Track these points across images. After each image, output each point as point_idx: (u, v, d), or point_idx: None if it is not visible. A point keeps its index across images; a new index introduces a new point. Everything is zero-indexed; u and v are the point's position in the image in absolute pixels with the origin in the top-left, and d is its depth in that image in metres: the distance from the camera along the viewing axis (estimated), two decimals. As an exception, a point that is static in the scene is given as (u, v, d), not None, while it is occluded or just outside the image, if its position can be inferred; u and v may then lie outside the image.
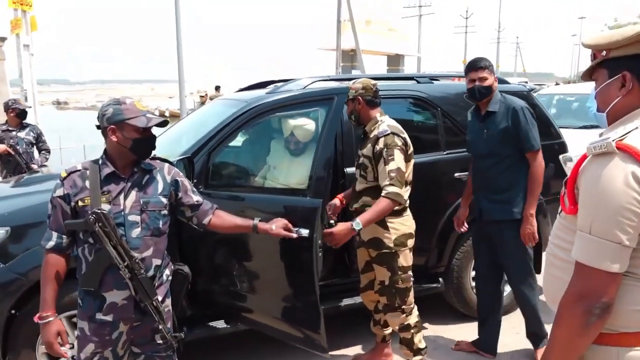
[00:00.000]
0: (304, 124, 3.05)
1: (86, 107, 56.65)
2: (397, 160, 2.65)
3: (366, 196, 2.82)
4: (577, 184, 1.31)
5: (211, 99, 14.23)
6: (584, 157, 1.31)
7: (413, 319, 2.89)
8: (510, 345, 3.45)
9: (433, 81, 3.79)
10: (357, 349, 3.44)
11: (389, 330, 3.21)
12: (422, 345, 2.93)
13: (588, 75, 1.46)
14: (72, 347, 2.73)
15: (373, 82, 2.88)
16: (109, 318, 2.07)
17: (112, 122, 2.03)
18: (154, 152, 2.20)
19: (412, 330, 2.88)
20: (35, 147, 5.80)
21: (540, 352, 3.25)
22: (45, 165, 5.69)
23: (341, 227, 2.57)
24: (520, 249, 3.04)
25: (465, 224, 3.31)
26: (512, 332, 3.58)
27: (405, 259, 2.82)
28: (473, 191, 3.19)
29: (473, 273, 3.72)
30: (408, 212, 2.84)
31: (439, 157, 3.54)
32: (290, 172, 3.00)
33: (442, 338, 3.60)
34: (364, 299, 3.17)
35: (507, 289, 3.88)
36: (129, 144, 2.04)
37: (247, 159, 3.22)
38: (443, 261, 3.63)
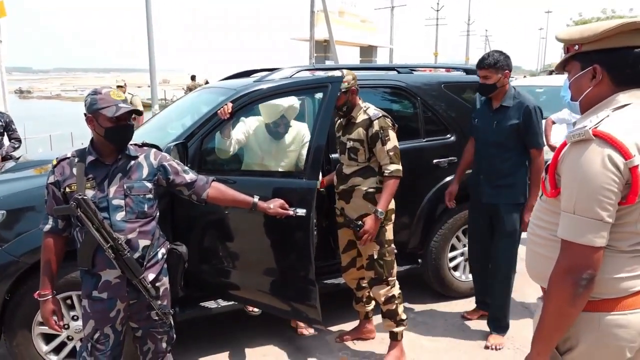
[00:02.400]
0: (294, 104, 3.18)
1: (51, 96, 55.08)
2: (393, 140, 2.93)
3: (355, 177, 3.00)
4: (558, 170, 1.43)
5: (189, 88, 14.15)
6: (564, 144, 1.44)
7: (396, 290, 3.08)
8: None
9: (413, 71, 3.94)
10: (340, 327, 3.61)
11: (370, 307, 3.39)
12: (404, 316, 3.12)
13: (562, 67, 1.60)
14: (67, 327, 2.82)
15: (352, 72, 3.04)
16: (104, 295, 2.20)
17: (89, 111, 2.14)
18: (141, 140, 2.32)
19: (396, 302, 3.07)
20: (4, 135, 5.71)
21: (493, 337, 3.39)
22: (11, 157, 5.52)
23: (369, 221, 2.87)
24: (514, 231, 3.27)
25: (454, 201, 3.53)
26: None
27: (390, 232, 3.03)
28: (474, 173, 3.40)
29: (450, 254, 3.94)
30: None
31: (418, 144, 3.70)
32: (287, 156, 3.13)
33: (421, 316, 3.79)
34: (347, 277, 3.32)
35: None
36: (102, 133, 2.14)
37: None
38: (422, 243, 3.81)
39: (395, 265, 3.08)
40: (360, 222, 2.93)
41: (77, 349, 2.78)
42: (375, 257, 3.00)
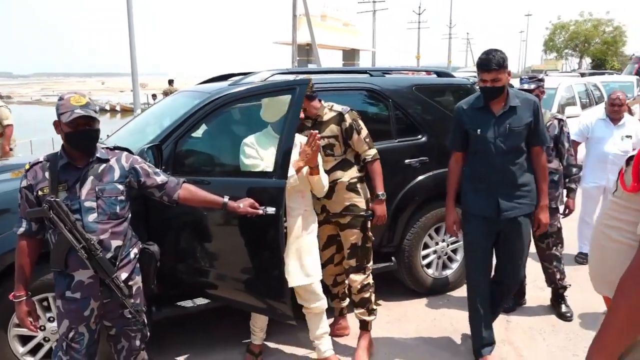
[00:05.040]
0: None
1: (31, 101, 54.43)
2: (364, 127, 3.13)
3: (335, 171, 3.12)
4: None
5: (165, 93, 14.18)
6: None
7: (370, 279, 3.23)
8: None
9: (385, 74, 4.04)
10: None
11: (346, 303, 3.49)
12: (375, 306, 3.27)
13: None
14: (43, 329, 2.85)
15: (309, 77, 3.16)
16: (77, 295, 2.25)
17: (57, 117, 2.21)
18: (114, 142, 2.37)
19: (370, 290, 3.21)
20: None
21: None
22: None
23: (376, 205, 3.14)
24: (529, 241, 3.12)
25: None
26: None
27: (369, 220, 3.18)
28: (476, 188, 3.00)
29: (423, 252, 4.04)
30: None
31: (390, 144, 3.79)
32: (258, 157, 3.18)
33: (394, 312, 3.88)
34: (324, 274, 3.36)
35: (454, 266, 4.23)
36: (64, 138, 2.22)
37: (213, 147, 3.37)
38: (395, 241, 3.90)
39: (371, 253, 3.23)
40: (369, 211, 3.14)
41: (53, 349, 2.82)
42: (359, 244, 3.13)
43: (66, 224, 2.14)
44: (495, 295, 3.20)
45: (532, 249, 3.78)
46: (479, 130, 2.91)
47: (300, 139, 2.94)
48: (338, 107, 3.11)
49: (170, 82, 16.06)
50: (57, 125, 2.22)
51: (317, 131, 2.80)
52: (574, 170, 3.74)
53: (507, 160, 2.89)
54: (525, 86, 3.64)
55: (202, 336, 3.58)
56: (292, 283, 2.85)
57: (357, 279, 3.16)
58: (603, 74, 19.38)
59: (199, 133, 3.20)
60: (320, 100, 3.16)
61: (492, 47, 2.87)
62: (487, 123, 2.90)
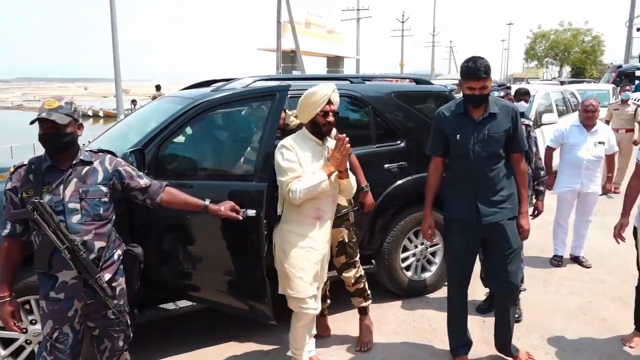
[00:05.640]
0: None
1: (12, 106, 53.76)
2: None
3: None
4: None
5: (153, 97, 14.22)
6: None
7: (362, 270, 3.40)
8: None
9: (365, 81, 4.14)
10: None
11: (326, 304, 3.55)
12: (369, 290, 3.47)
13: None
14: (25, 331, 2.86)
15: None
16: (61, 296, 2.29)
17: None
18: (97, 145, 2.41)
19: (363, 280, 3.38)
20: None
21: (525, 353, 3.30)
22: None
23: (365, 197, 3.36)
24: (520, 244, 3.07)
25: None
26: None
27: (352, 216, 3.30)
28: (458, 194, 3.03)
29: (402, 255, 4.13)
30: None
31: (370, 150, 3.88)
32: (238, 160, 3.26)
33: (373, 314, 3.89)
34: None
35: (433, 268, 4.32)
36: (39, 139, 2.27)
37: (195, 151, 3.43)
38: (375, 244, 3.99)
39: (358, 246, 3.38)
40: (358, 204, 3.34)
41: (36, 352, 2.83)
42: (346, 240, 3.24)
43: (50, 225, 2.18)
44: (495, 304, 3.21)
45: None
46: (458, 136, 2.93)
47: (328, 143, 2.97)
48: None
49: (158, 87, 16.10)
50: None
51: (345, 135, 2.80)
52: (542, 173, 3.88)
53: (486, 166, 2.92)
54: (495, 94, 3.74)
55: (183, 339, 3.61)
56: (321, 284, 3.00)
57: (349, 275, 3.31)
58: (582, 82, 19.84)
59: (181, 137, 3.26)
60: (284, 110, 3.21)
61: (475, 54, 2.89)
62: (467, 129, 2.92)
